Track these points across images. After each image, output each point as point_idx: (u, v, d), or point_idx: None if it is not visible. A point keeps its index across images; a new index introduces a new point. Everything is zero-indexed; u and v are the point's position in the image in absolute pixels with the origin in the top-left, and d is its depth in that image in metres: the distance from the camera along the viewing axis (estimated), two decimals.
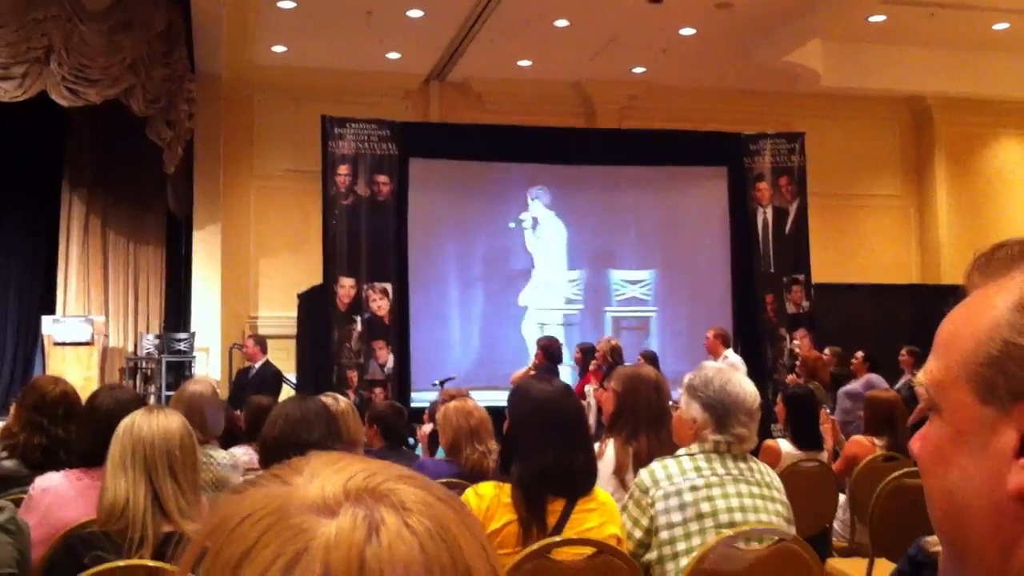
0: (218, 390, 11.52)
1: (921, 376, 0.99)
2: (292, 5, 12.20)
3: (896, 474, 5.15)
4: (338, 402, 4.40)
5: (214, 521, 0.76)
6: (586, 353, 10.76)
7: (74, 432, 4.02)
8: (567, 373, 11.21)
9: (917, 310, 14.16)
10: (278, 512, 0.74)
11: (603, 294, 13.86)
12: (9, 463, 4.15)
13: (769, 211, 13.10)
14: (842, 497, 5.90)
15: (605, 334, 11.72)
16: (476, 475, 4.28)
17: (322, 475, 0.77)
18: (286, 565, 0.70)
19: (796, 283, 12.95)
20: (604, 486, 3.55)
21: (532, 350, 12.36)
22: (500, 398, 8.73)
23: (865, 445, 5.99)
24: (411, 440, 7.17)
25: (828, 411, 8.34)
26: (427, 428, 6.65)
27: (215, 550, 0.74)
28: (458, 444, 4.76)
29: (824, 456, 6.08)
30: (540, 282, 13.60)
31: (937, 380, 0.95)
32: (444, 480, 4.41)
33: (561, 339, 11.71)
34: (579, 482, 3.30)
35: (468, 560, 0.75)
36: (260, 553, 0.72)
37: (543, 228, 13.72)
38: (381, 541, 0.72)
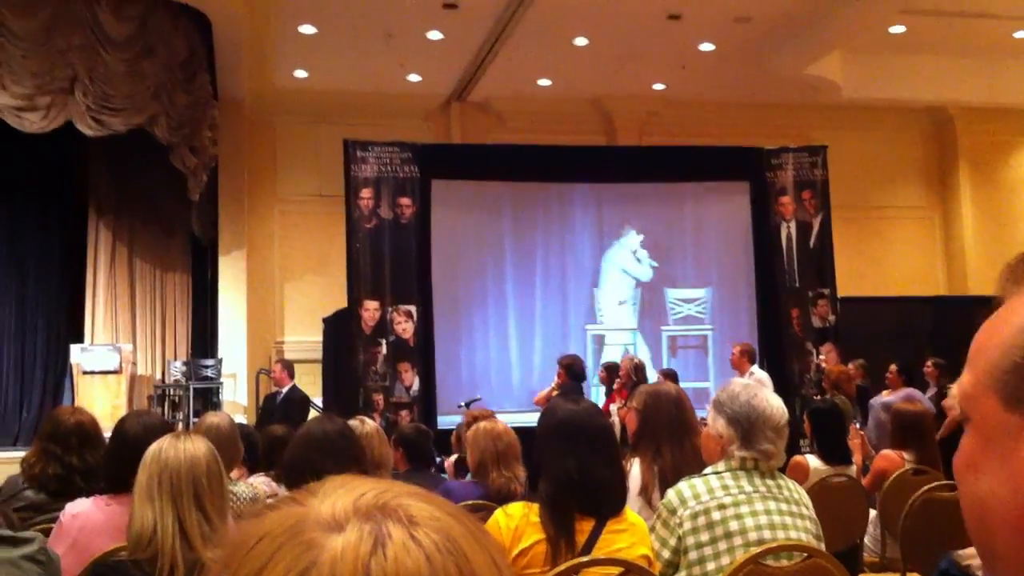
0: (243, 418, 11.59)
1: (954, 388, 1.00)
2: (313, 30, 12.28)
3: (926, 488, 5.12)
4: (364, 425, 4.41)
5: (233, 544, 0.78)
6: (610, 371, 10.73)
7: (91, 459, 4.07)
8: (592, 392, 11.18)
9: (943, 321, 14.07)
10: (291, 531, 0.76)
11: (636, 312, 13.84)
12: (31, 492, 4.19)
13: (793, 225, 13.05)
14: (872, 512, 5.85)
15: (626, 354, 11.66)
16: (502, 498, 4.27)
17: (334, 495, 0.79)
18: None
19: (822, 297, 12.89)
20: (631, 505, 3.54)
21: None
22: (525, 420, 8.75)
23: (894, 459, 5.94)
24: (438, 460, 7.17)
25: (857, 425, 8.29)
26: (452, 459, 6.65)
27: (232, 569, 0.76)
28: (485, 466, 4.76)
29: (853, 471, 6.03)
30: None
31: (967, 391, 0.96)
32: (470, 503, 4.41)
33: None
34: (607, 499, 3.28)
35: (476, 572, 0.76)
36: (273, 569, 0.74)
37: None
38: (387, 554, 0.73)
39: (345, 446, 3.58)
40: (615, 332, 13.54)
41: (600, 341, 13.47)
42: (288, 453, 3.58)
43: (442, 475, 6.44)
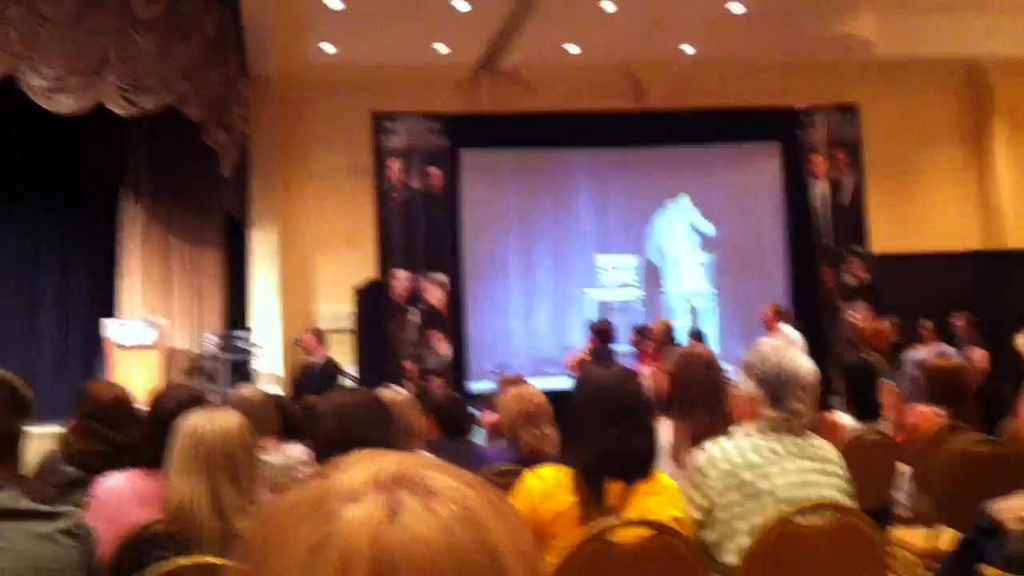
0: (280, 388, 11.67)
1: (1020, 340, 1.02)
2: (340, 4, 12.27)
3: (961, 443, 5.10)
4: (397, 394, 4.44)
5: (263, 516, 0.82)
6: (642, 334, 10.74)
7: (134, 435, 4.09)
8: (623, 355, 11.18)
9: (980, 277, 13.95)
10: (313, 502, 0.79)
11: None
12: (71, 468, 4.22)
13: (826, 184, 12.97)
14: (905, 468, 5.83)
15: (662, 317, 11.66)
16: (534, 459, 4.30)
17: (356, 467, 0.82)
18: (312, 549, 0.75)
19: (855, 255, 12.82)
20: (661, 466, 3.55)
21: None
22: (556, 384, 8.78)
23: (926, 414, 5.92)
24: (475, 426, 7.20)
25: (891, 382, 8.25)
26: (491, 417, 6.67)
27: (259, 540, 0.79)
28: (515, 430, 4.79)
29: (885, 427, 6.01)
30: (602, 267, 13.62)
31: None
32: (502, 467, 4.44)
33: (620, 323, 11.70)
34: (640, 465, 3.31)
35: (496, 544, 0.77)
36: (293, 539, 0.76)
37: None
38: (401, 523, 0.75)
39: (381, 413, 3.60)
40: (610, 296, 13.55)
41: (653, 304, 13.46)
42: (322, 429, 3.60)
43: (475, 440, 6.44)
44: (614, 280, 13.63)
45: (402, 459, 0.83)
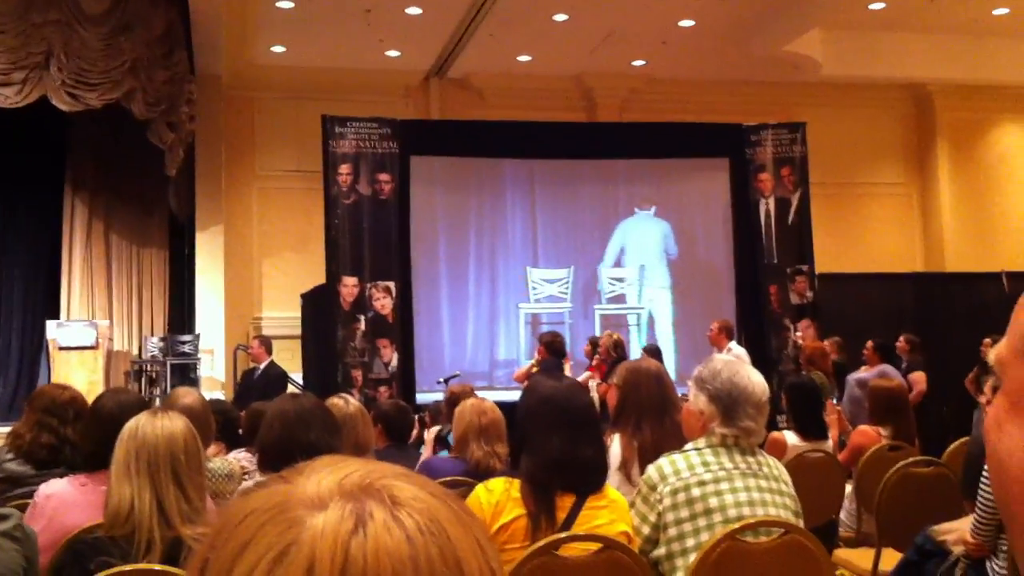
0: (221, 394, 11.56)
1: (991, 354, 1.04)
2: (290, 4, 12.20)
3: (902, 463, 5.16)
4: (348, 404, 4.39)
5: (222, 521, 0.80)
6: (596, 346, 10.79)
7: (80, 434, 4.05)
8: (571, 368, 11.19)
9: (921, 298, 14.14)
10: (276, 508, 0.77)
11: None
12: (14, 464, 4.18)
13: (772, 202, 13.08)
14: (848, 487, 5.89)
15: (606, 331, 11.68)
16: (482, 474, 4.28)
17: (320, 474, 0.80)
18: (276, 556, 0.74)
19: (800, 273, 12.93)
20: (610, 481, 3.54)
21: (525, 346, 12.45)
22: (504, 397, 8.77)
23: (871, 435, 5.98)
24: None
25: (834, 401, 8.33)
26: (434, 430, 6.65)
27: (219, 547, 0.77)
28: (467, 440, 4.77)
29: (829, 446, 6.07)
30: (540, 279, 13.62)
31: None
32: (449, 479, 4.41)
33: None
34: (588, 476, 3.29)
35: (459, 555, 0.76)
36: (255, 546, 0.75)
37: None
38: (367, 533, 0.74)
39: (325, 420, 3.56)
40: (550, 311, 13.56)
41: (611, 320, 13.48)
42: (265, 435, 3.55)
43: (419, 450, 6.42)
44: (550, 292, 13.62)
45: (368, 467, 0.82)
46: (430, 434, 6.73)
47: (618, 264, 13.78)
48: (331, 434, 3.47)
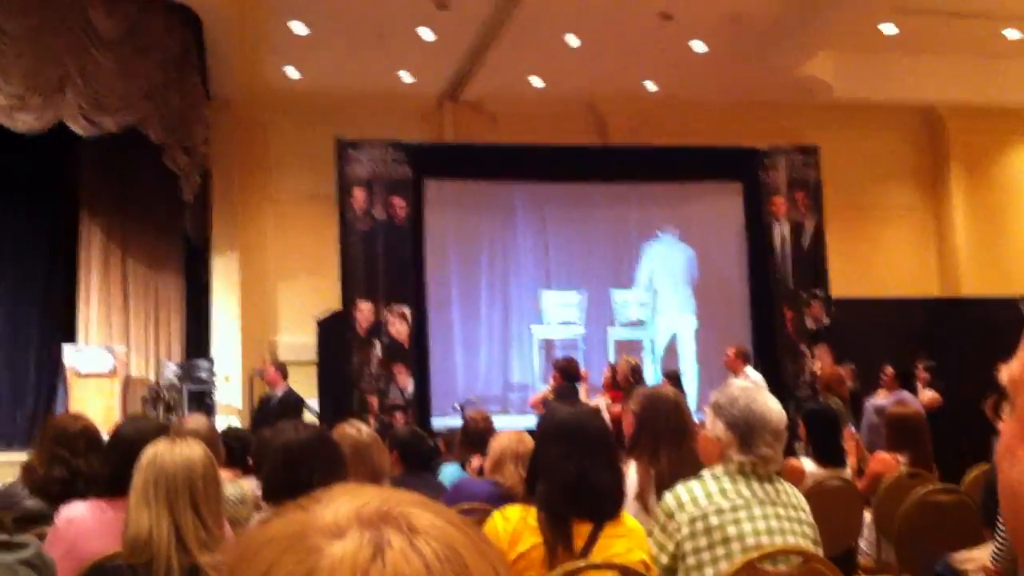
0: (238, 420, 11.55)
1: (1004, 373, 1.01)
2: (305, 29, 12.25)
3: (921, 491, 5.13)
4: (361, 433, 4.37)
5: (240, 549, 0.81)
6: (615, 372, 10.80)
7: (96, 463, 4.04)
8: (586, 392, 11.18)
9: (936, 322, 14.08)
10: (294, 536, 0.78)
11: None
12: (31, 502, 4.16)
13: (786, 226, 13.07)
14: (867, 515, 5.85)
15: (623, 356, 11.67)
16: (515, 496, 4.26)
17: (338, 501, 0.81)
18: None
19: (815, 298, 12.91)
20: (627, 509, 3.53)
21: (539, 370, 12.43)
22: (519, 422, 8.76)
23: (889, 462, 5.95)
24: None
25: (852, 428, 8.29)
26: (476, 463, 6.60)
27: (238, 575, 0.78)
28: (503, 463, 4.77)
29: (848, 473, 6.03)
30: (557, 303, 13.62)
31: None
32: (469, 505, 4.40)
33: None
34: (605, 503, 3.29)
35: None
36: (275, 573, 0.76)
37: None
38: (385, 561, 0.75)
39: (329, 453, 3.53)
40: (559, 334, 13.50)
41: (624, 345, 13.43)
42: (268, 466, 3.54)
43: (438, 479, 6.39)
44: (563, 317, 13.59)
45: (385, 494, 0.82)
46: (472, 466, 6.63)
47: (648, 288, 13.79)
48: (333, 469, 3.43)
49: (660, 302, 13.72)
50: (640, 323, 13.67)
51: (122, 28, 11.08)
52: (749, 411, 3.36)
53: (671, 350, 13.60)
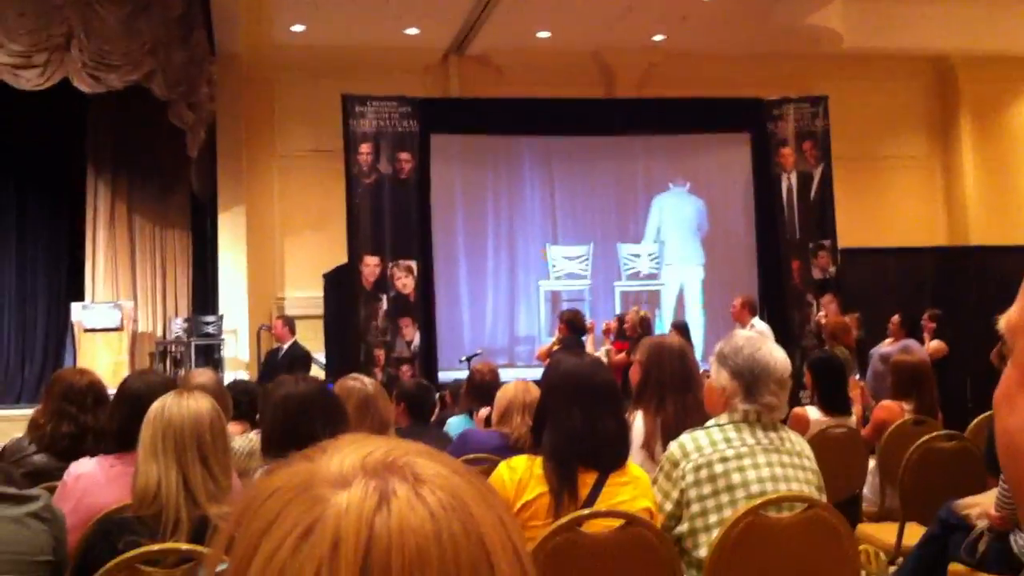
0: (246, 374, 11.61)
1: (1001, 321, 1.00)
2: None
3: (925, 438, 5.15)
4: (366, 385, 4.39)
5: (246, 500, 0.81)
6: (622, 322, 10.85)
7: (104, 418, 4.06)
8: (593, 343, 11.21)
9: (944, 271, 14.04)
10: (300, 486, 0.79)
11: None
12: (39, 457, 4.18)
13: (793, 176, 13.01)
14: (872, 462, 5.88)
15: (632, 307, 11.70)
16: (523, 448, 4.28)
17: (343, 452, 0.82)
18: (301, 534, 0.75)
19: (822, 248, 12.87)
20: (633, 458, 3.55)
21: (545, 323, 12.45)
22: (525, 373, 8.79)
23: (894, 409, 5.97)
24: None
25: (857, 376, 8.31)
26: (483, 412, 6.62)
27: (245, 525, 0.79)
28: (510, 414, 4.78)
29: (852, 421, 6.05)
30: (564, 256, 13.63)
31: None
32: (475, 455, 4.43)
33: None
34: (610, 452, 3.30)
35: (482, 531, 0.77)
36: (281, 524, 0.76)
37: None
38: (391, 510, 0.75)
39: (328, 406, 3.54)
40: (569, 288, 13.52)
41: (631, 296, 13.44)
42: (268, 420, 3.56)
43: (445, 430, 6.41)
44: (570, 270, 13.61)
45: (390, 444, 0.83)
46: (480, 416, 6.66)
47: (656, 240, 13.79)
48: (334, 422, 3.43)
49: (668, 253, 13.71)
50: (648, 276, 13.66)
51: None
52: (753, 360, 3.37)
53: (679, 301, 13.62)
